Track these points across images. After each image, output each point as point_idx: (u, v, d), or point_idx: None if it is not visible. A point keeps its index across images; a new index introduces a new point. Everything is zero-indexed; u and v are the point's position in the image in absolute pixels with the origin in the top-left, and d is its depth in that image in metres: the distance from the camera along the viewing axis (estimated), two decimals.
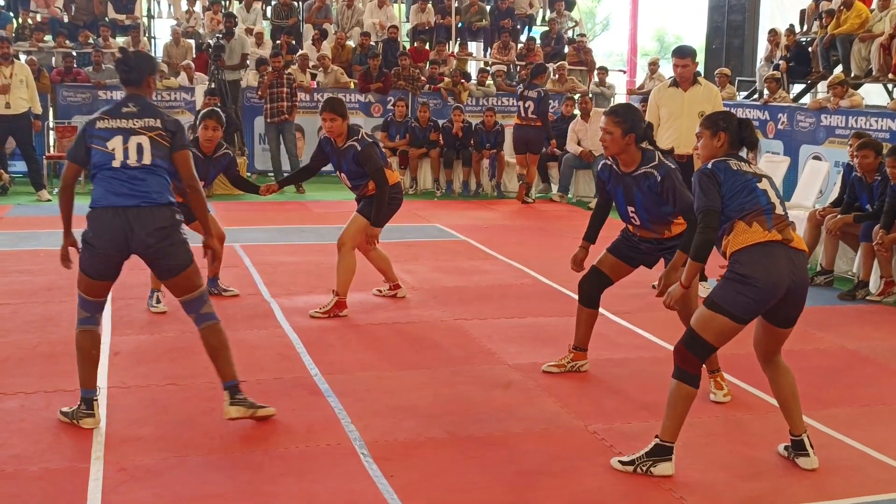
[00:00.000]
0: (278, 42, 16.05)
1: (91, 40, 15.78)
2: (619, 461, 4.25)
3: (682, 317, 4.99)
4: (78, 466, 4.14)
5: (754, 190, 4.12)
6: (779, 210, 4.14)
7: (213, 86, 13.99)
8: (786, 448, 4.42)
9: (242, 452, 4.36)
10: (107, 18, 16.53)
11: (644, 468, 4.17)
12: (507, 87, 16.23)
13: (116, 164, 4.46)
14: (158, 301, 6.78)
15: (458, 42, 17.86)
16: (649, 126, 5.22)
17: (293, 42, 16.38)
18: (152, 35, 18.14)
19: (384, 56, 16.18)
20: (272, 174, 14.26)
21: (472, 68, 18.19)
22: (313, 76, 15.88)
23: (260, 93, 13.91)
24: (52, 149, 13.98)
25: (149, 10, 18.20)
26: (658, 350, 6.13)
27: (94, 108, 14.25)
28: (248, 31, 16.25)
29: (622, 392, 5.36)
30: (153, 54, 17.12)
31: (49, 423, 4.63)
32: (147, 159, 4.48)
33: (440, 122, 14.16)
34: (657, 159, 5.06)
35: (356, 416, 4.83)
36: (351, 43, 17.02)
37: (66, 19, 16.57)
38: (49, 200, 12.06)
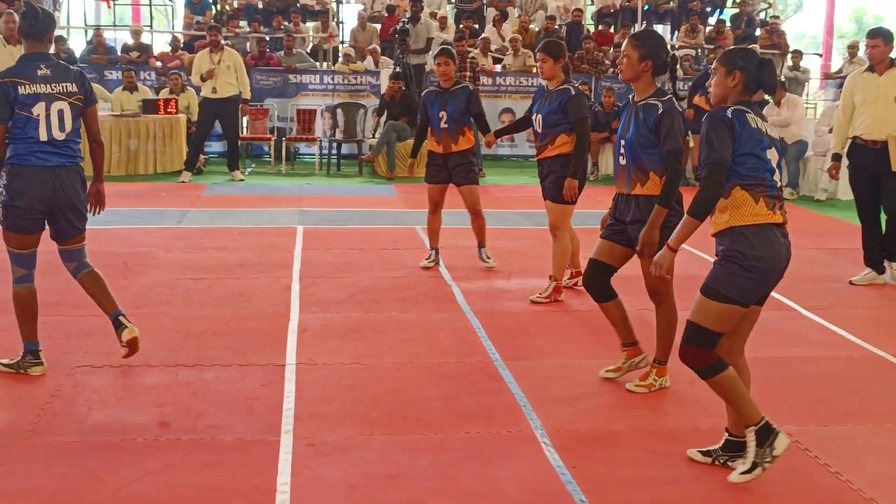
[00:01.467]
0: (461, 26, 16.15)
1: (283, 25, 16.34)
2: (739, 473, 3.88)
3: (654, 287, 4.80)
4: (269, 439, 4.28)
5: (763, 156, 3.78)
6: (780, 188, 3.85)
7: (398, 70, 14.22)
8: (705, 452, 4.11)
9: (425, 434, 4.40)
10: (298, 4, 17.06)
11: (764, 459, 3.83)
12: (693, 71, 15.77)
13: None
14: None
15: (643, 25, 17.48)
16: (673, 59, 4.91)
17: (475, 25, 16.45)
18: (340, 20, 18.62)
19: (568, 40, 16.03)
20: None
21: None
22: (495, 60, 15.90)
23: None
24: (245, 130, 14.57)
25: None
26: (854, 349, 5.80)
27: (285, 91, 14.79)
28: (433, 15, 16.42)
29: (816, 393, 5.10)
30: (341, 39, 17.58)
31: (243, 396, 4.80)
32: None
33: None
34: (668, 95, 4.79)
35: (537, 403, 4.79)
36: (534, 26, 16.94)
37: (260, 6, 17.22)
38: (242, 180, 12.59)
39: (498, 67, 15.89)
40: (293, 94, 15.09)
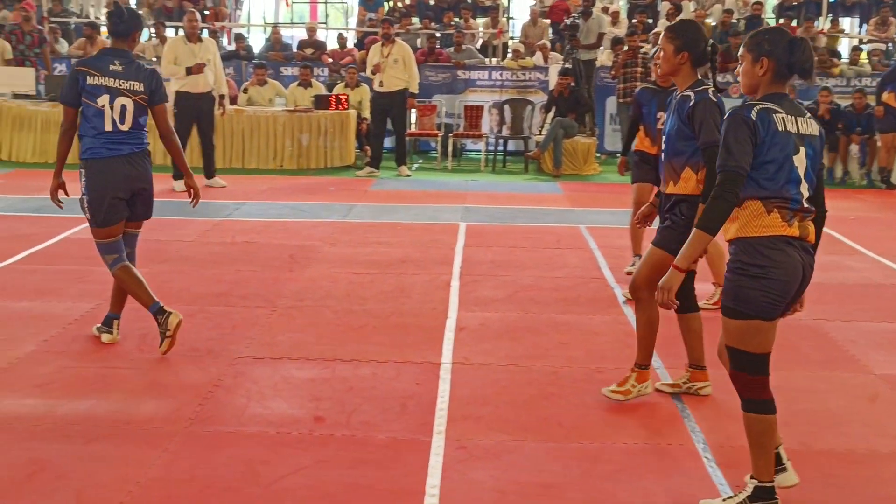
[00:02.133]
0: (634, 21, 15.78)
1: (453, 22, 16.40)
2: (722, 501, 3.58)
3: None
4: (420, 439, 4.22)
5: (788, 164, 3.33)
6: (804, 201, 3.37)
7: (567, 65, 14.02)
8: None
9: (580, 442, 4.24)
10: (468, 0, 17.09)
11: None
12: (883, 67, 14.86)
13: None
14: None
15: (828, 18, 16.61)
16: (713, 48, 4.47)
17: (649, 20, 16.04)
18: (510, 16, 18.55)
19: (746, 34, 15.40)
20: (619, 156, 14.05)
21: (844, 46, 16.85)
22: None
23: (613, 72, 13.74)
24: (412, 126, 14.70)
25: None
26: None
27: (454, 87, 14.82)
28: (605, 10, 16.12)
29: None
30: (510, 35, 17.51)
31: (397, 393, 4.77)
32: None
33: (804, 102, 13.24)
34: (703, 86, 4.40)
35: (701, 416, 4.56)
36: (710, 21, 16.38)
37: (431, 2, 17.35)
38: (409, 176, 12.69)
39: None
40: (461, 90, 15.11)
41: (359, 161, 13.31)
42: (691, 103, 4.37)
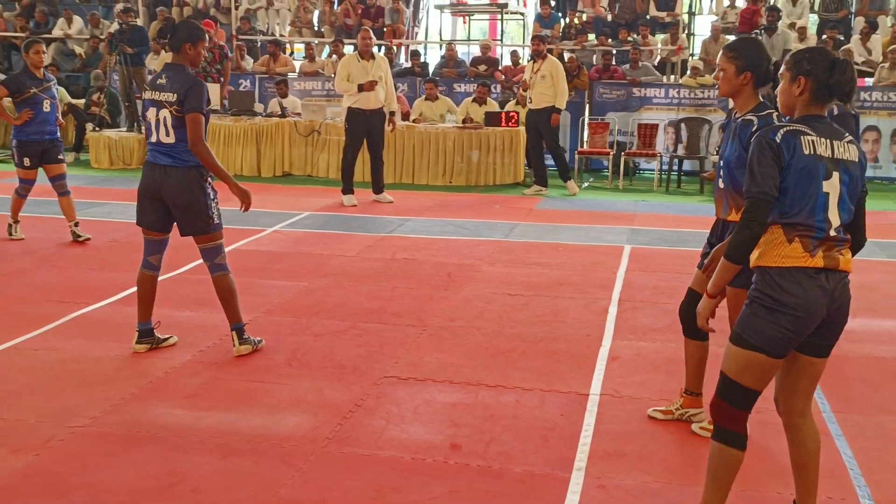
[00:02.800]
0: (824, 37, 15.00)
1: (630, 38, 16.06)
2: None
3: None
4: (558, 475, 4.04)
5: (817, 189, 3.15)
6: (833, 230, 3.18)
7: None
8: None
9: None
10: (648, 17, 16.71)
11: None
12: None
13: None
14: None
15: None
16: (776, 66, 4.03)
17: (840, 36, 15.20)
18: (692, 32, 18.01)
19: None
20: None
21: None
22: (863, 74, 14.59)
23: None
24: (584, 144, 14.45)
25: (690, 6, 18.09)
26: None
27: (628, 105, 14.50)
28: (791, 26, 15.40)
29: None
30: (690, 52, 17.00)
31: (539, 424, 4.61)
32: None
33: None
34: (767, 110, 4.05)
35: (868, 468, 4.17)
36: None
37: (609, 18, 17.05)
38: (575, 194, 12.47)
39: (868, 81, 14.57)
40: (636, 107, 14.76)
41: (528, 178, 13.19)
42: (754, 127, 4.00)
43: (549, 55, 12.34)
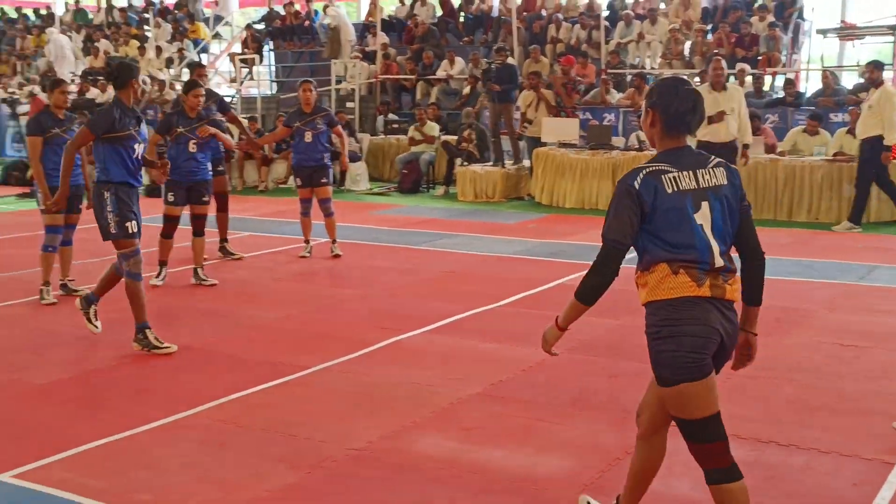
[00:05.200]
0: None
1: None
2: None
3: None
4: None
5: (690, 223, 3.13)
6: (716, 259, 3.12)
7: None
8: None
9: None
10: None
11: None
12: None
13: None
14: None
15: None
16: None
17: None
18: None
19: None
20: None
21: None
22: None
23: None
24: None
25: None
26: None
27: None
28: None
29: None
30: None
31: (825, 493, 4.14)
32: None
33: None
34: None
35: None
36: None
37: None
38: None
39: None
40: None
41: None
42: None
43: (885, 83, 11.15)
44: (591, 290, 3.25)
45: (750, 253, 3.31)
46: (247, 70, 21.84)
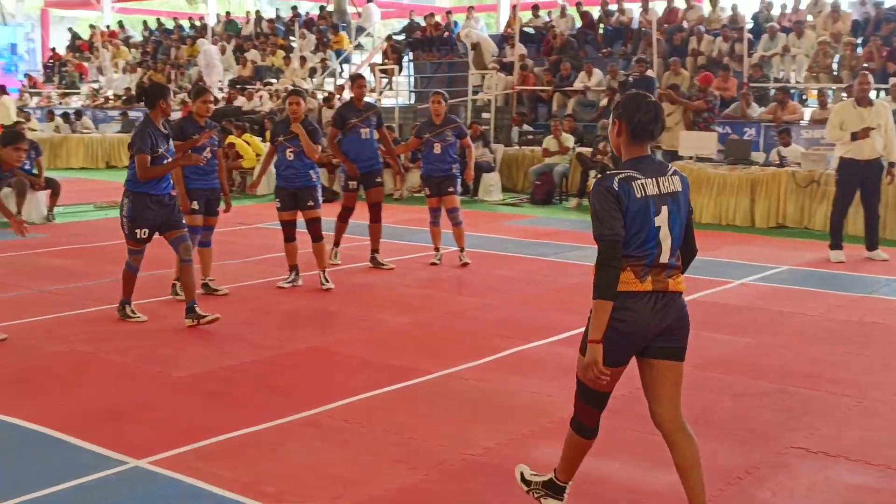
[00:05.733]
0: None
1: None
2: (523, 473, 4.14)
3: None
4: None
5: (650, 225, 3.54)
6: (663, 257, 3.57)
7: None
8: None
9: None
10: None
11: (536, 495, 4.08)
12: None
13: None
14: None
15: None
16: None
17: None
18: None
19: None
20: None
21: None
22: None
23: None
24: None
25: None
26: None
27: None
28: None
29: None
30: None
31: None
32: None
33: None
34: None
35: None
36: None
37: None
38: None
39: None
40: None
41: None
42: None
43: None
44: (609, 283, 3.50)
45: (686, 248, 3.73)
46: (386, 80, 22.30)
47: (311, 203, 8.64)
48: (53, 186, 13.58)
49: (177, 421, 5.24)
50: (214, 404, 5.55)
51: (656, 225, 3.55)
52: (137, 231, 7.23)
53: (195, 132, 8.07)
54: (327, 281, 8.73)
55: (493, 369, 6.25)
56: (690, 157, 13.94)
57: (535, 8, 22.53)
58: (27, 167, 13.27)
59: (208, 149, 8.08)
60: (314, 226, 8.68)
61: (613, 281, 3.50)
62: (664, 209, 3.57)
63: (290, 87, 20.58)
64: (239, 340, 6.91)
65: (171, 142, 7.33)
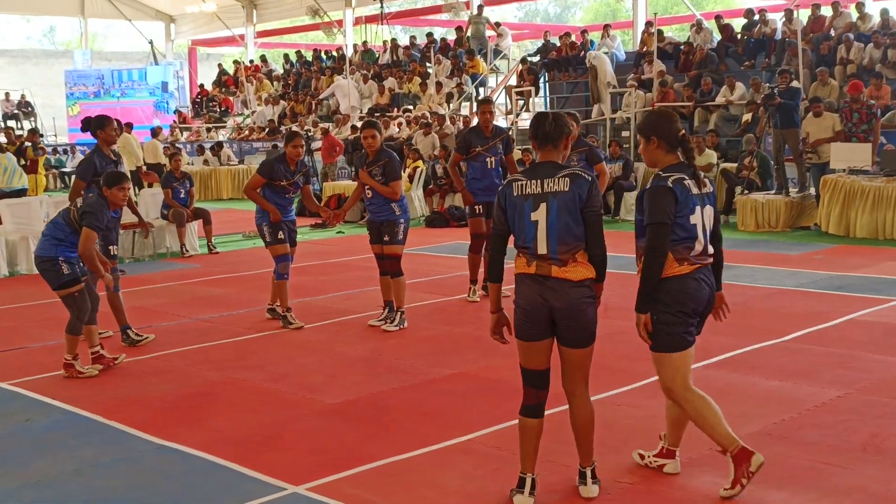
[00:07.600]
0: None
1: None
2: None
3: None
4: None
5: (525, 220, 4.31)
6: (540, 249, 4.26)
7: None
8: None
9: None
10: None
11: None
12: None
13: None
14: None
15: None
16: None
17: None
18: None
19: None
20: None
21: None
22: None
23: None
24: None
25: None
26: None
27: None
28: None
29: None
30: None
31: None
32: None
33: None
34: None
35: None
36: None
37: None
38: None
39: None
40: None
41: None
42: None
43: None
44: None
45: (591, 249, 4.30)
46: (522, 102, 22.29)
47: (387, 238, 8.38)
48: (204, 216, 14.09)
49: (332, 447, 5.32)
50: (367, 430, 5.60)
51: (532, 220, 4.26)
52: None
53: (286, 175, 8.38)
54: (384, 322, 8.34)
55: (643, 394, 6.11)
56: (843, 170, 13.38)
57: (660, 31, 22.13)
58: (182, 197, 13.85)
59: (289, 185, 8.46)
60: (390, 261, 8.42)
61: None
62: (542, 206, 4.24)
63: (429, 112, 20.86)
64: (386, 367, 6.98)
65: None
